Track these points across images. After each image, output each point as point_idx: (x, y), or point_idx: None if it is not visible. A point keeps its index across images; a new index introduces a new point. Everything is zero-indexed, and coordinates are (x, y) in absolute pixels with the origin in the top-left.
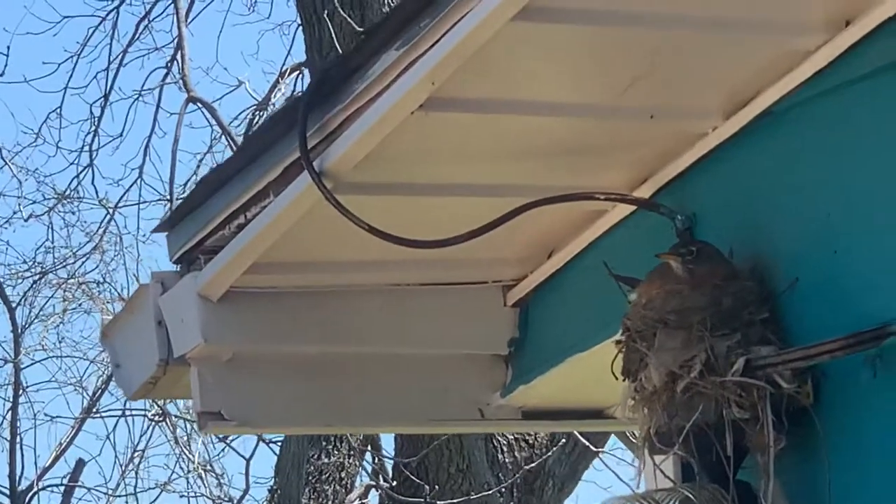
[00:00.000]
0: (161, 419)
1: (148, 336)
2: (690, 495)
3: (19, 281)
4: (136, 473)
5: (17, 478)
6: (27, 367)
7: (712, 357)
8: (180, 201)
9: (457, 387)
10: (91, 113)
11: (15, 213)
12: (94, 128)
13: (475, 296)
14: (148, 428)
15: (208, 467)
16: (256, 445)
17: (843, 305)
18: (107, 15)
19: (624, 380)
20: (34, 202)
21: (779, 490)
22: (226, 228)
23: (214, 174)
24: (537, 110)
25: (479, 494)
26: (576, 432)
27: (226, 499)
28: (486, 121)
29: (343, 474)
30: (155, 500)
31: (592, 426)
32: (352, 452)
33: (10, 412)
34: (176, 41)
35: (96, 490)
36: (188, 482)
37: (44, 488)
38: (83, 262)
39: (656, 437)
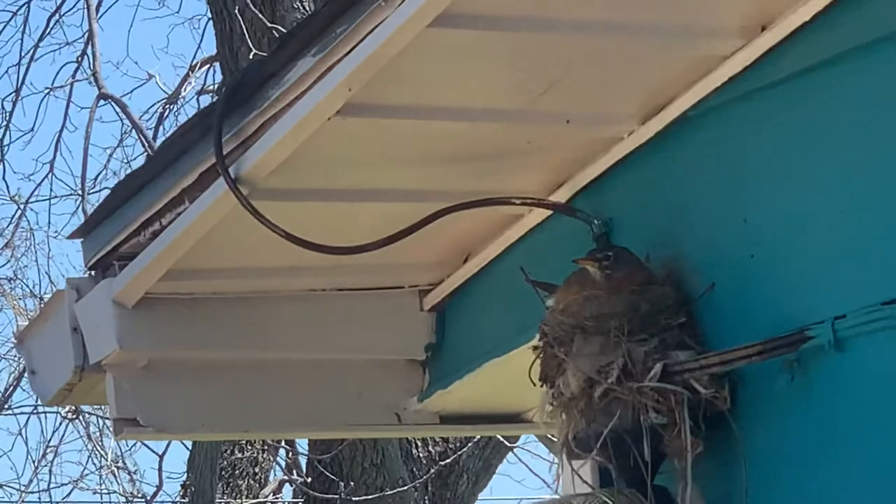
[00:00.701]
0: (74, 416)
1: (63, 342)
2: (608, 500)
3: None
4: (50, 470)
5: None
6: None
7: (630, 362)
8: (96, 206)
9: (374, 392)
10: (2, 107)
11: None
12: (5, 123)
13: (392, 301)
14: (60, 424)
15: (121, 464)
16: (169, 442)
17: (760, 310)
18: (18, 10)
19: (542, 385)
20: None
21: (697, 495)
22: (141, 235)
23: (129, 180)
24: (454, 116)
25: (395, 490)
26: None
27: (139, 495)
28: (403, 126)
29: (257, 469)
30: (67, 496)
31: (510, 430)
32: (265, 447)
33: None
34: (87, 35)
35: (9, 486)
36: (101, 478)
37: None
38: None
39: (574, 442)
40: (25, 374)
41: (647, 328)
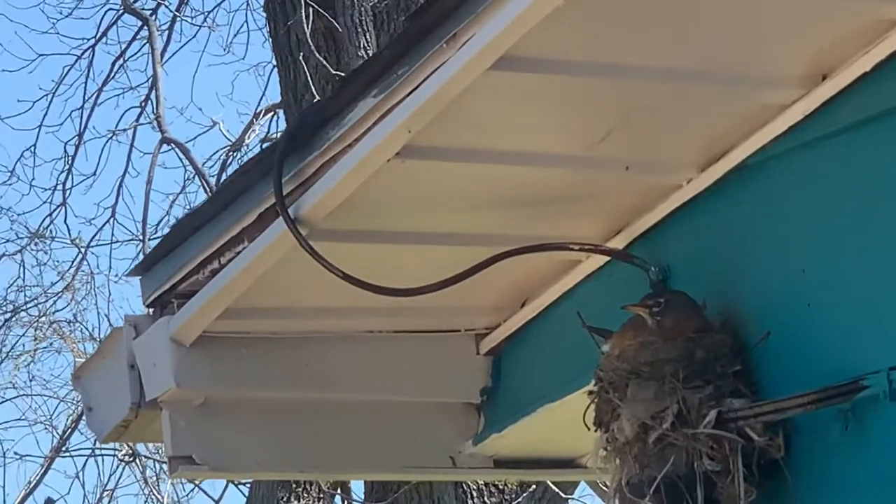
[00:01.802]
0: (131, 459)
1: (120, 379)
2: None
3: None
4: None
5: None
6: None
7: (684, 409)
8: (155, 244)
9: (429, 434)
10: (65, 151)
11: None
12: (67, 166)
13: (448, 344)
14: (117, 468)
15: None
16: (226, 487)
17: (815, 359)
18: (82, 53)
19: (596, 430)
20: (7, 241)
21: None
22: (200, 273)
23: (189, 218)
24: (513, 160)
25: None
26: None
27: None
28: (462, 169)
29: None
30: None
31: (564, 476)
32: (321, 495)
33: None
34: (151, 80)
35: None
36: None
37: None
38: (55, 301)
39: (627, 487)
40: (83, 417)
41: (703, 375)
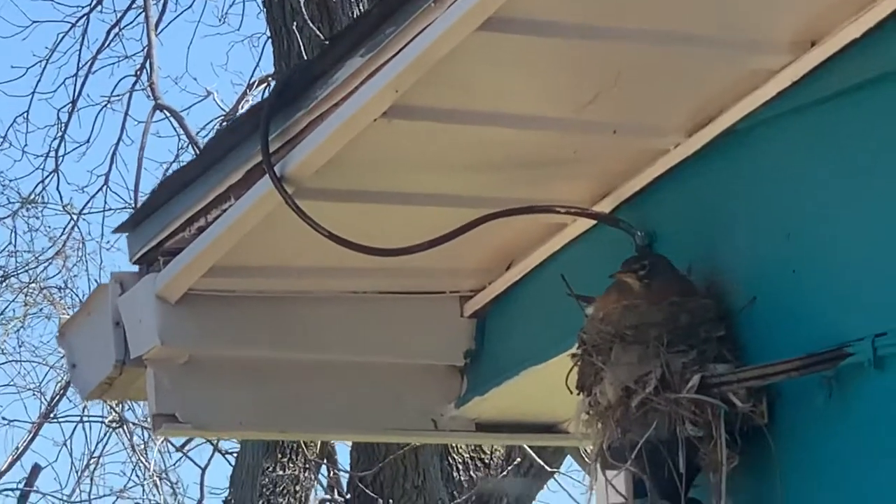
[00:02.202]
0: (118, 426)
1: (105, 336)
2: None
3: None
4: (92, 480)
5: None
6: None
7: (668, 373)
8: (142, 202)
9: (411, 396)
10: (58, 118)
11: None
12: (60, 133)
13: (432, 306)
14: (105, 434)
15: (164, 476)
16: (212, 455)
17: (800, 325)
18: (77, 21)
19: (578, 394)
20: None
21: None
22: (186, 231)
23: (176, 176)
24: (500, 121)
25: None
26: (531, 452)
27: None
28: (449, 130)
29: (298, 487)
30: None
31: (546, 440)
32: (307, 465)
33: None
34: (146, 50)
35: (52, 496)
36: (144, 490)
37: None
38: (45, 267)
39: (609, 452)
40: (69, 379)
41: (687, 339)
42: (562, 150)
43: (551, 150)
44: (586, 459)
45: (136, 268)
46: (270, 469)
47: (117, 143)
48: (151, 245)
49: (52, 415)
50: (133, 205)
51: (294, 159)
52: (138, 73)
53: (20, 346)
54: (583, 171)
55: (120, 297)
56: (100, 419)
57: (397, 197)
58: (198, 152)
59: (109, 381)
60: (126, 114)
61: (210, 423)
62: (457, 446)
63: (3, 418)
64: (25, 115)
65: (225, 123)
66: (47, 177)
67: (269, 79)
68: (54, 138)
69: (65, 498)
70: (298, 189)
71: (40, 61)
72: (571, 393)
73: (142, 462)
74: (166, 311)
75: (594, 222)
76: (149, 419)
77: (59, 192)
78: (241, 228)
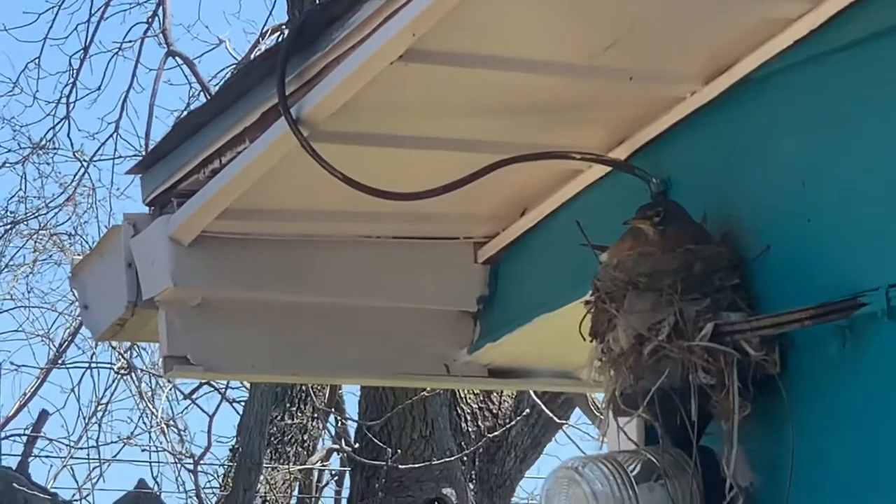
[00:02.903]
0: (126, 372)
1: (117, 278)
2: (653, 458)
3: None
4: (99, 426)
5: None
6: None
7: (681, 321)
8: (156, 143)
9: (424, 342)
10: (70, 65)
11: None
12: (72, 80)
13: (446, 251)
14: (113, 381)
15: (171, 423)
16: (220, 403)
17: (814, 275)
18: None
19: (591, 341)
20: (9, 150)
21: (742, 457)
22: (200, 172)
23: (191, 118)
24: (517, 67)
25: (441, 461)
26: (540, 403)
27: (187, 455)
28: (466, 75)
29: (305, 436)
30: (117, 454)
31: (558, 386)
32: (315, 414)
33: None
34: None
35: (58, 441)
36: (150, 437)
37: (6, 437)
38: (55, 214)
39: (621, 398)
40: (81, 330)
41: (701, 287)
42: (578, 96)
43: (567, 96)
44: (596, 409)
45: (147, 210)
46: (278, 418)
47: (128, 91)
48: (165, 187)
49: (60, 361)
50: (144, 152)
51: (310, 102)
52: (150, 20)
53: (29, 292)
54: (598, 118)
55: (133, 238)
56: (108, 366)
57: (412, 141)
58: (212, 95)
59: (121, 322)
60: (137, 61)
61: (221, 366)
62: (465, 397)
63: (12, 363)
64: (37, 61)
65: (241, 66)
66: (58, 123)
67: (282, 27)
68: (66, 85)
69: (72, 444)
70: (314, 132)
71: (52, 7)
72: (584, 340)
73: (149, 409)
74: (179, 253)
75: (609, 169)
76: (160, 361)
77: (70, 139)
78: (255, 171)
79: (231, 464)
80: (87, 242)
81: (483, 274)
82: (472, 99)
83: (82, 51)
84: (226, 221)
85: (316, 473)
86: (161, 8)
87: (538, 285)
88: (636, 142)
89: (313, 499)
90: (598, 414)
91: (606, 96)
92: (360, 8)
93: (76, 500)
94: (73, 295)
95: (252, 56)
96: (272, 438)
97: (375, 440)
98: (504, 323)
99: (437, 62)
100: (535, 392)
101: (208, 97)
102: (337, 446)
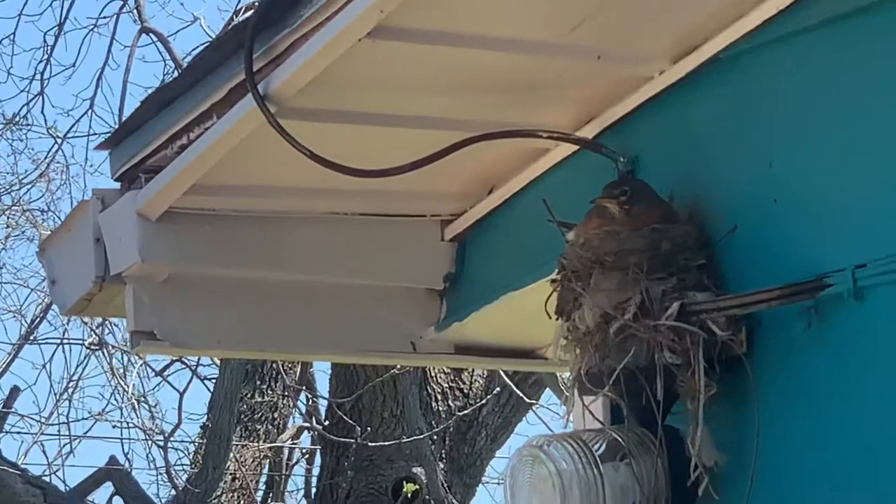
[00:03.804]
0: (98, 348)
1: (85, 253)
2: (618, 438)
3: None
4: (70, 402)
5: None
6: None
7: (647, 300)
8: (125, 119)
9: (391, 319)
10: (44, 41)
11: None
12: (46, 56)
13: (413, 229)
14: (84, 357)
15: (142, 399)
16: (190, 380)
17: (780, 255)
18: None
19: (557, 319)
20: None
21: (707, 436)
22: (168, 148)
23: (159, 94)
24: (485, 45)
25: (411, 439)
26: (510, 382)
27: (158, 432)
28: (434, 52)
29: (276, 414)
30: (88, 430)
31: (524, 366)
32: (286, 392)
33: None
34: None
35: (29, 418)
36: (122, 413)
37: None
38: (28, 190)
39: (587, 377)
40: (53, 306)
41: (667, 267)
42: (546, 74)
43: (535, 74)
44: (563, 388)
45: (118, 186)
46: (249, 395)
47: (103, 67)
48: (133, 162)
49: (31, 337)
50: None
51: (277, 78)
52: None
53: (1, 268)
54: (566, 97)
55: (101, 213)
56: (80, 342)
57: (380, 118)
58: (181, 71)
59: (89, 297)
60: (112, 37)
61: (188, 341)
62: (436, 376)
63: None
64: (11, 36)
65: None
66: (32, 99)
67: (255, 4)
68: (40, 61)
69: (42, 420)
70: (281, 108)
71: None
72: (550, 318)
73: (121, 385)
74: (147, 229)
75: (576, 148)
76: (127, 337)
77: (44, 115)
78: (222, 147)
79: (201, 441)
80: (59, 219)
81: (450, 252)
82: (439, 76)
83: (57, 27)
84: (194, 197)
85: (286, 451)
86: None
87: (505, 263)
88: (604, 121)
89: (283, 476)
90: (564, 390)
91: (574, 75)
92: None
93: (46, 476)
94: (42, 269)
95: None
96: (242, 416)
97: (346, 418)
98: (471, 301)
99: (405, 39)
100: (506, 372)
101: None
102: (307, 424)
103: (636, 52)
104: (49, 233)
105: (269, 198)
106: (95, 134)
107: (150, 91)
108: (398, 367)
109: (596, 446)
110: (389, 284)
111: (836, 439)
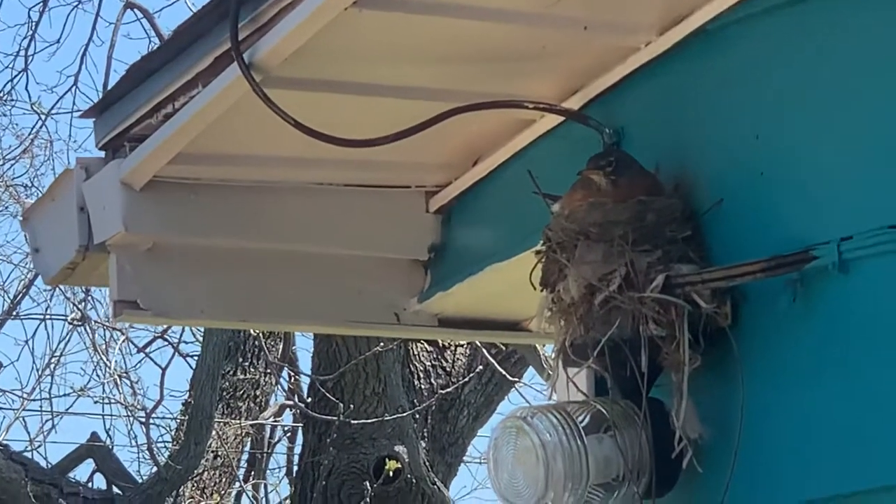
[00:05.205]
0: (80, 324)
1: (69, 221)
2: (602, 409)
3: None
4: (52, 378)
5: None
6: None
7: (632, 272)
8: (110, 88)
9: (374, 290)
10: (29, 17)
11: None
12: (31, 32)
13: (398, 199)
14: (67, 333)
15: (124, 376)
16: (172, 356)
17: (766, 228)
18: None
19: (542, 290)
20: None
21: (691, 409)
22: (153, 117)
23: (144, 62)
24: (471, 14)
25: (393, 417)
26: (493, 361)
27: (139, 408)
28: (420, 22)
29: (258, 391)
30: (70, 406)
31: (508, 338)
32: (268, 370)
33: None
34: None
35: (12, 393)
36: (104, 389)
37: None
38: (12, 165)
39: (571, 349)
40: (36, 282)
41: (652, 239)
42: (532, 45)
43: (521, 44)
44: (546, 366)
45: (102, 154)
46: (231, 372)
47: (87, 44)
48: (118, 131)
49: (14, 313)
50: None
51: (263, 47)
52: None
53: None
54: (552, 67)
55: (85, 182)
56: (62, 317)
57: (366, 88)
58: (166, 39)
59: (72, 266)
60: (97, 14)
61: (171, 311)
62: (418, 354)
63: None
64: None
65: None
66: (16, 76)
67: None
68: (24, 37)
69: (24, 396)
70: (266, 77)
71: None
72: (535, 290)
73: (103, 361)
74: (131, 198)
75: (562, 119)
76: (110, 305)
77: (28, 92)
78: (207, 116)
79: (183, 418)
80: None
81: (434, 223)
82: (425, 46)
83: (41, 3)
84: (178, 167)
85: (268, 429)
86: None
87: (490, 235)
88: (589, 92)
89: (265, 454)
90: (547, 367)
91: (560, 46)
92: None
93: (28, 452)
94: (24, 238)
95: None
96: (224, 393)
97: (329, 396)
98: (455, 272)
99: (391, 9)
100: (489, 350)
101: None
102: (290, 402)
103: (623, 23)
104: (33, 201)
105: (254, 167)
106: (80, 110)
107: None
108: (381, 344)
109: (580, 418)
110: (374, 255)
111: (821, 412)
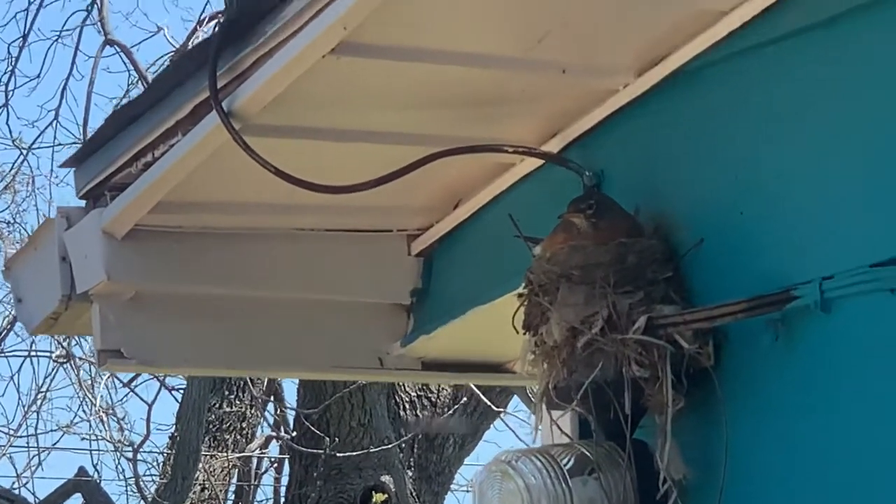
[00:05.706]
0: (65, 361)
1: (51, 271)
2: (586, 452)
3: None
4: (38, 415)
5: None
6: None
7: (614, 314)
8: (90, 137)
9: (358, 335)
10: (9, 52)
11: None
12: (11, 68)
13: (379, 244)
14: (52, 370)
15: (110, 411)
16: (159, 391)
17: (747, 268)
18: None
19: (525, 334)
20: None
21: (675, 450)
22: (133, 166)
23: (124, 111)
24: (449, 60)
25: (379, 448)
26: (478, 391)
27: (126, 443)
28: (398, 68)
29: (244, 424)
30: (56, 442)
31: (492, 380)
32: (254, 403)
33: None
34: None
35: None
36: (90, 425)
37: None
38: None
39: (555, 392)
40: (18, 319)
41: (634, 280)
42: (510, 89)
43: (500, 89)
44: (532, 399)
45: (83, 203)
46: (217, 406)
47: (67, 78)
48: (98, 180)
49: None
50: (82, 140)
51: (242, 95)
52: (89, 8)
53: None
54: (531, 111)
55: (66, 231)
56: (47, 354)
57: (345, 134)
58: (146, 87)
59: (55, 315)
60: (76, 49)
61: (155, 359)
62: (403, 385)
63: None
64: None
65: (174, 58)
66: None
67: (220, 15)
68: (4, 72)
69: (11, 432)
70: (246, 125)
71: None
72: (518, 333)
73: (88, 398)
74: (112, 247)
75: (542, 162)
76: (95, 354)
77: (9, 127)
78: (187, 164)
79: (170, 452)
80: (25, 230)
81: (416, 266)
82: (404, 92)
83: (21, 38)
84: (159, 215)
85: (255, 461)
86: None
87: (471, 278)
88: (569, 135)
89: (252, 486)
90: (533, 399)
91: (539, 89)
92: (291, 1)
93: (15, 489)
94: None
95: (190, 43)
96: (210, 426)
97: (314, 428)
98: (437, 315)
99: (369, 55)
100: None
101: (146, 85)
102: (275, 434)
103: (601, 66)
104: (15, 251)
105: (236, 215)
106: (61, 145)
107: (115, 101)
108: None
109: (564, 461)
110: (356, 300)
111: (805, 451)
